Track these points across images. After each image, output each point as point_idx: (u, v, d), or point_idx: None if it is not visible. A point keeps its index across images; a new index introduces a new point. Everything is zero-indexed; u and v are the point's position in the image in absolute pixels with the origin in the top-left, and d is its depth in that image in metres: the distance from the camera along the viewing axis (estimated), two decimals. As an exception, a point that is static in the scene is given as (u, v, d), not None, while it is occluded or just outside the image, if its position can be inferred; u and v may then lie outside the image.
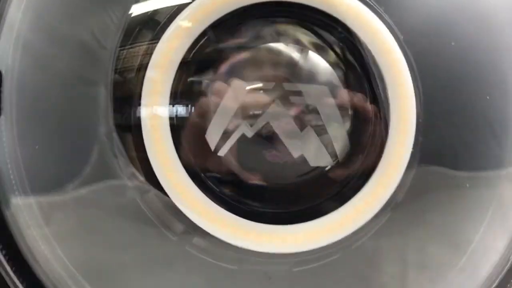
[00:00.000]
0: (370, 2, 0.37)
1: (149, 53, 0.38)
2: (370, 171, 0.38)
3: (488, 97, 0.40)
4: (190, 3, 0.37)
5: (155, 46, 0.37)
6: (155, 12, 0.39)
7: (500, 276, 0.44)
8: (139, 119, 0.38)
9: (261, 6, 0.37)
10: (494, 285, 0.43)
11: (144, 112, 0.37)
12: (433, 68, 0.39)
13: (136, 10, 0.40)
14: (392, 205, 0.39)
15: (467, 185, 0.41)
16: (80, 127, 0.40)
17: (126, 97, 0.40)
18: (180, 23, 0.36)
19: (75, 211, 0.41)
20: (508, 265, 0.44)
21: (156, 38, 0.38)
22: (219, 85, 0.38)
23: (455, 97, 0.40)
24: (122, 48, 0.40)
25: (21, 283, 0.38)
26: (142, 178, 0.40)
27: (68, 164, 0.40)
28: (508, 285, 0.43)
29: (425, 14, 0.39)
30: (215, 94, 0.38)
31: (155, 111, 0.36)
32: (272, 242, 0.37)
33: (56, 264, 0.40)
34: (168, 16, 0.38)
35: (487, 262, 0.44)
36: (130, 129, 0.40)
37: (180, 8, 0.37)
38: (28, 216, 0.40)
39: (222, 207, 0.37)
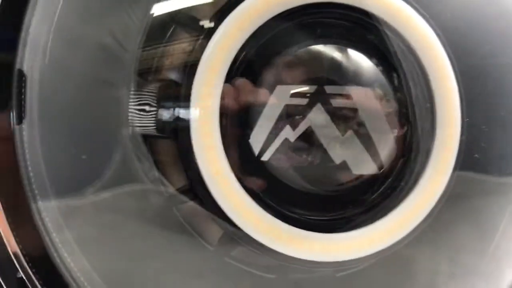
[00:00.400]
0: (416, 6, 0.37)
1: (187, 52, 0.36)
2: (414, 177, 0.38)
3: None
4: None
5: (199, 44, 0.36)
6: (191, 10, 0.38)
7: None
8: (173, 122, 0.37)
9: (312, 7, 0.36)
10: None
11: (194, 116, 0.35)
12: (472, 73, 0.39)
13: (158, 9, 0.39)
14: (433, 214, 0.38)
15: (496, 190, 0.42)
16: (102, 130, 0.39)
17: (156, 100, 0.38)
18: (235, 23, 0.35)
19: (96, 215, 0.39)
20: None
21: (200, 36, 0.36)
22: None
23: (488, 101, 0.40)
24: (146, 48, 0.39)
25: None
26: (168, 183, 0.39)
27: (89, 167, 0.39)
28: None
29: (470, 19, 0.39)
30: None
31: (207, 116, 0.35)
32: (318, 250, 0.36)
33: (78, 271, 0.39)
34: (212, 14, 0.36)
35: (510, 268, 0.44)
36: (158, 133, 0.39)
37: (226, 7, 0.36)
38: (50, 220, 0.38)
39: (270, 214, 0.36)
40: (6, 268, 0.38)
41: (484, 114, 0.39)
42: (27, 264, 0.36)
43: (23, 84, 0.36)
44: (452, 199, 0.39)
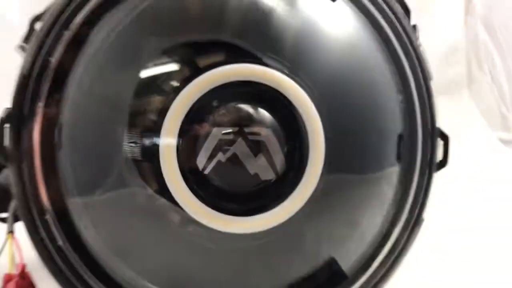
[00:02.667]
0: (301, 80, 0.58)
1: (162, 102, 0.55)
2: (295, 179, 0.58)
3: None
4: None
5: (170, 98, 0.54)
6: (168, 77, 0.57)
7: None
8: (150, 149, 0.57)
9: (234, 83, 0.56)
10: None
11: (163, 144, 0.55)
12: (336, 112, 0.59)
13: (144, 73, 0.57)
14: (311, 202, 0.59)
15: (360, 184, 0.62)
16: (106, 154, 0.55)
17: (140, 134, 0.57)
18: (193, 88, 0.53)
19: (104, 208, 0.57)
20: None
21: (171, 93, 0.55)
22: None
23: (350, 126, 0.60)
24: (133, 99, 0.57)
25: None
26: (147, 187, 0.57)
27: (98, 177, 0.56)
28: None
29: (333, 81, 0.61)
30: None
31: (171, 144, 0.55)
32: (238, 227, 0.57)
33: (93, 244, 0.59)
34: (181, 80, 0.55)
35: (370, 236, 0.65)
36: (141, 157, 0.57)
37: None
38: (73, 209, 0.56)
39: (210, 207, 0.56)
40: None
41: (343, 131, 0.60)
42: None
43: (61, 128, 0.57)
44: (327, 194, 0.59)
